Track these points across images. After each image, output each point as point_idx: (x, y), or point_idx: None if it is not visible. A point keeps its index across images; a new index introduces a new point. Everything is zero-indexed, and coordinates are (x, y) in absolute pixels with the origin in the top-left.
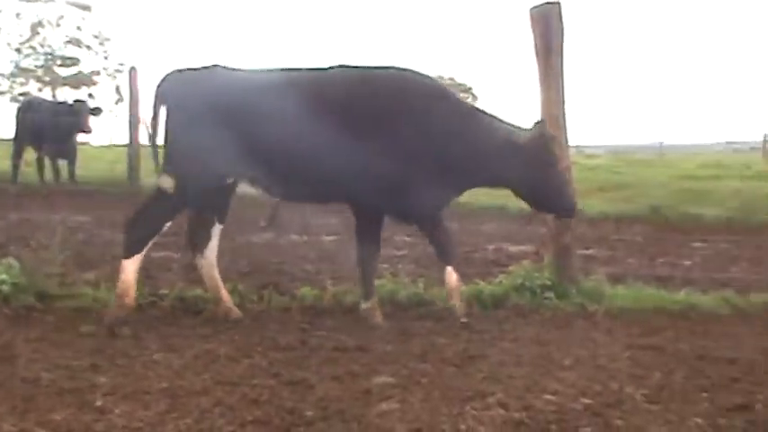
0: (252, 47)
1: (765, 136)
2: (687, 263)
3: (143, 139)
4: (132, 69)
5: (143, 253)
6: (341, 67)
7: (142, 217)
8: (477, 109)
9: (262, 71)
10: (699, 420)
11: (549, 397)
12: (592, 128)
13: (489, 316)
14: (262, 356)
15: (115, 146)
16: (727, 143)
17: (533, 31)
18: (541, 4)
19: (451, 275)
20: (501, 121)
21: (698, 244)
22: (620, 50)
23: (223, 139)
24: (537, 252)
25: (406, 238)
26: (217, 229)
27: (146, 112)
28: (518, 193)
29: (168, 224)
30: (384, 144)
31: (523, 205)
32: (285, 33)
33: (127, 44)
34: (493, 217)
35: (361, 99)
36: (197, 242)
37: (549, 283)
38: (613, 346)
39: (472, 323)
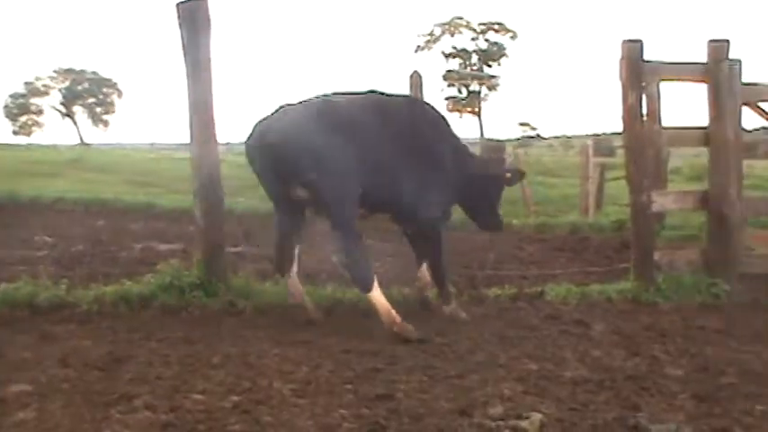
0: None
1: None
2: (335, 259)
3: None
4: None
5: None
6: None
7: None
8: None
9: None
10: (343, 411)
11: (197, 396)
12: (241, 125)
13: (136, 316)
14: None
15: None
16: None
17: (180, 26)
18: (187, 0)
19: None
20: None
21: None
22: (276, 47)
23: None
24: (185, 250)
25: (47, 239)
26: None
27: None
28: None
29: None
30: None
31: (173, 204)
32: None
33: None
34: (140, 215)
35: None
36: (284, 263)
37: (198, 281)
38: (262, 342)
39: (117, 325)
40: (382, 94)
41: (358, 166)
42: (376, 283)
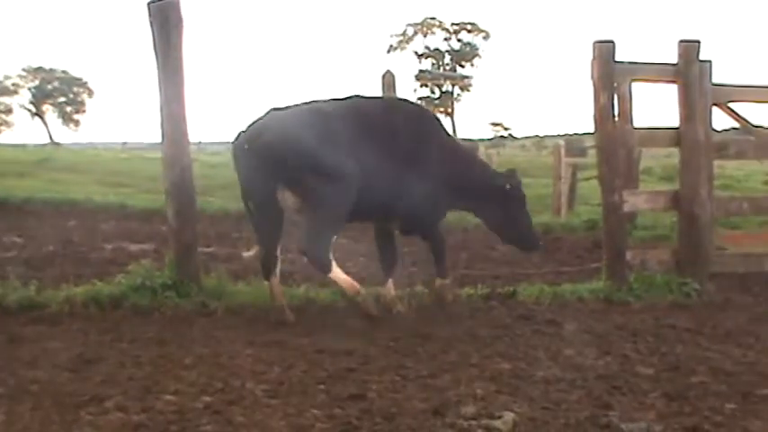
0: None
1: None
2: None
3: None
4: None
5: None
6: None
7: None
8: None
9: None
10: (316, 412)
11: (169, 397)
12: (213, 125)
13: (107, 317)
14: None
15: None
16: None
17: (151, 25)
18: None
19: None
20: None
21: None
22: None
23: None
24: (157, 250)
25: (16, 239)
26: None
27: None
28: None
29: None
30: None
31: (146, 204)
32: None
33: None
34: (111, 216)
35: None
36: (271, 266)
37: (170, 281)
38: (235, 343)
39: (87, 326)
40: (365, 98)
41: (355, 169)
42: (334, 264)
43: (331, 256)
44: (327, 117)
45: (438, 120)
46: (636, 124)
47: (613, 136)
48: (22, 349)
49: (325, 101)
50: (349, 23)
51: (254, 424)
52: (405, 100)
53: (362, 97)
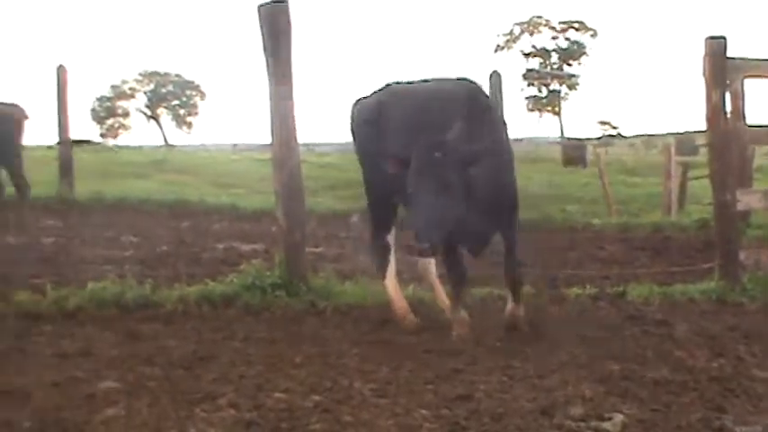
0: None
1: None
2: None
3: None
4: (60, 67)
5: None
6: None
7: None
8: None
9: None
10: (424, 412)
11: (279, 395)
12: (322, 126)
13: (220, 316)
14: None
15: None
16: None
17: (261, 28)
18: (270, 2)
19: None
20: None
21: None
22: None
23: None
24: (267, 250)
25: (133, 239)
26: None
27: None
28: None
29: None
30: None
31: (255, 204)
32: None
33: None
34: (223, 216)
35: None
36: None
37: (279, 281)
38: (343, 342)
39: (200, 325)
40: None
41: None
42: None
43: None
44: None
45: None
46: (749, 121)
47: (726, 133)
48: (140, 346)
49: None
50: (456, 23)
51: (362, 423)
52: None
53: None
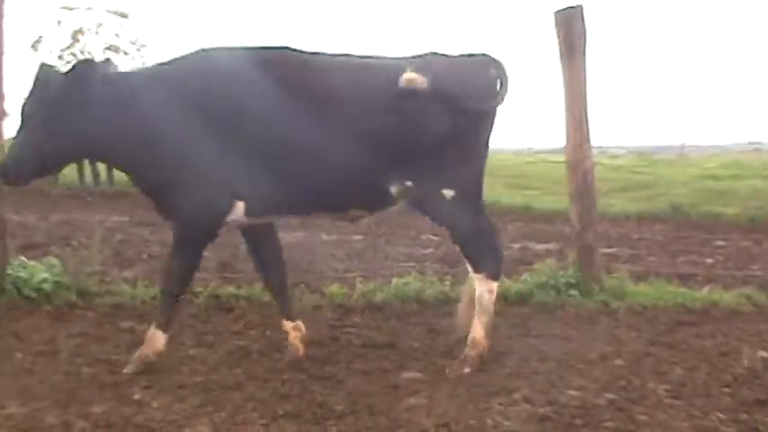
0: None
1: None
2: (709, 261)
3: None
4: None
5: None
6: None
7: None
8: None
9: None
10: (721, 415)
11: (573, 392)
12: (615, 129)
13: (514, 313)
14: None
15: None
16: (750, 143)
17: (557, 33)
18: (565, 8)
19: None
20: None
21: (719, 242)
22: (643, 52)
23: None
24: (561, 251)
25: (433, 237)
26: None
27: None
28: None
29: None
30: None
31: (550, 205)
32: None
33: (162, 50)
34: (517, 216)
35: None
36: None
37: (572, 281)
38: (636, 342)
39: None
40: None
41: None
42: None
43: None
44: None
45: None
46: None
47: None
48: (439, 339)
49: None
50: None
51: (656, 423)
52: None
53: None
